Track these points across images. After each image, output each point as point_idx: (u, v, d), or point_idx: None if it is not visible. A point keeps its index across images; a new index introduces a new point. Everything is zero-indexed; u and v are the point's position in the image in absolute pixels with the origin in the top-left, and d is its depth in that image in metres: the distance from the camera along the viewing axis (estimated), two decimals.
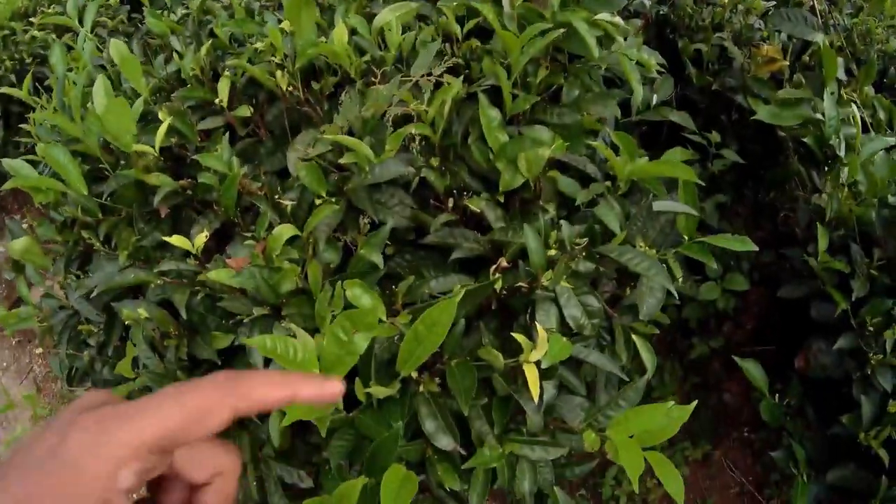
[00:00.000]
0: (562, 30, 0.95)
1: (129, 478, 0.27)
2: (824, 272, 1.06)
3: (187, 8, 1.43)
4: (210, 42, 1.17)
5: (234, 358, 0.97)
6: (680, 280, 1.02)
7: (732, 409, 1.31)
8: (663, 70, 1.04)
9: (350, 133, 0.99)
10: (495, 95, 1.03)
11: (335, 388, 0.32)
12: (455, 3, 1.06)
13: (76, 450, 0.26)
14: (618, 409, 0.93)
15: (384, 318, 0.81)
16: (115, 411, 0.27)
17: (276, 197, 0.95)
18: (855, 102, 1.26)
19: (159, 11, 1.53)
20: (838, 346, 1.03)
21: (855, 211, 1.07)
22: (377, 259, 0.87)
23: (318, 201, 0.91)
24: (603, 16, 1.04)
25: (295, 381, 0.31)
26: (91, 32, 1.82)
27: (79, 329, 1.06)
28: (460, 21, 1.09)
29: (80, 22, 1.53)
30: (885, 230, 1.07)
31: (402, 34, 1.09)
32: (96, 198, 1.09)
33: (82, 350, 1.10)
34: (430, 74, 0.96)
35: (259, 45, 1.05)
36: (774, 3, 1.37)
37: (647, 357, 0.96)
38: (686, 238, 1.06)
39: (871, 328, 1.02)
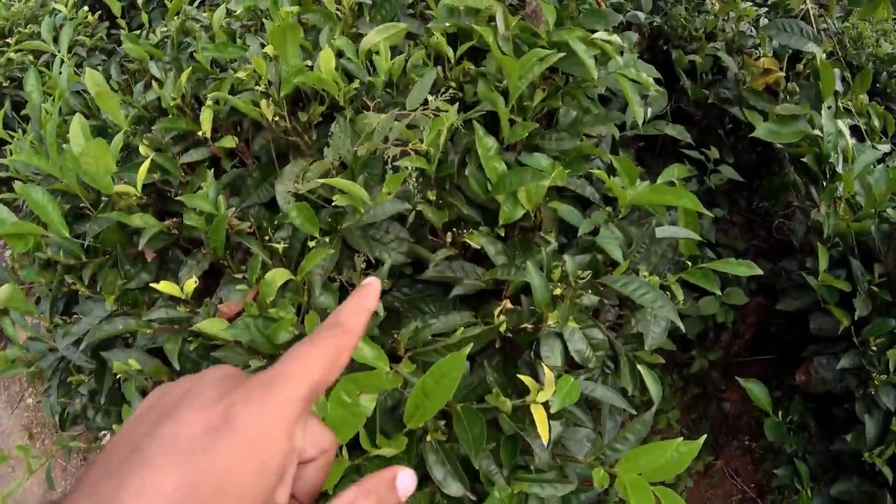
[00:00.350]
0: (561, 54, 0.87)
1: (300, 434, 0.26)
2: (825, 289, 1.01)
3: (167, 27, 1.32)
4: (190, 69, 1.07)
5: None
6: (681, 302, 0.97)
7: (733, 417, 1.28)
8: (661, 89, 0.97)
9: (343, 166, 0.91)
10: (490, 119, 0.95)
11: (375, 285, 0.32)
12: (447, 25, 0.97)
13: (250, 422, 0.24)
14: (625, 443, 0.88)
15: (387, 368, 0.74)
16: (265, 377, 0.26)
17: (267, 238, 0.87)
18: (850, 111, 1.19)
19: (137, 32, 1.42)
20: (841, 365, 0.99)
21: (853, 227, 1.02)
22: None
23: (311, 243, 0.83)
24: (599, 34, 0.96)
25: (360, 300, 0.31)
26: (69, 52, 1.70)
27: (69, 378, 0.97)
28: (452, 41, 1.00)
29: (57, 44, 1.41)
30: (884, 244, 1.02)
31: (392, 56, 1.00)
32: (79, 238, 1.00)
33: (74, 396, 1.02)
34: (426, 105, 0.88)
35: (241, 73, 0.95)
36: (766, 8, 1.29)
37: (653, 387, 0.90)
38: (686, 258, 1.00)
39: (875, 347, 0.97)
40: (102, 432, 1.00)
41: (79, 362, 1.00)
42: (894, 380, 0.96)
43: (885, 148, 1.26)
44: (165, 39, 1.21)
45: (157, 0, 1.73)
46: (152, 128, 1.04)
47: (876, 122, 1.23)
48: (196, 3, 1.41)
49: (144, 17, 1.39)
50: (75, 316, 1.04)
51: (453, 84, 0.97)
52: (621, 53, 0.98)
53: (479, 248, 0.85)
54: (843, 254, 1.06)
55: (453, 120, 0.86)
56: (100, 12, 1.83)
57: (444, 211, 0.87)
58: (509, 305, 0.80)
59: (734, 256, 1.30)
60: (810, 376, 1.05)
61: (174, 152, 1.04)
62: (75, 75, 1.33)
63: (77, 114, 0.93)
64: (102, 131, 1.17)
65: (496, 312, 0.80)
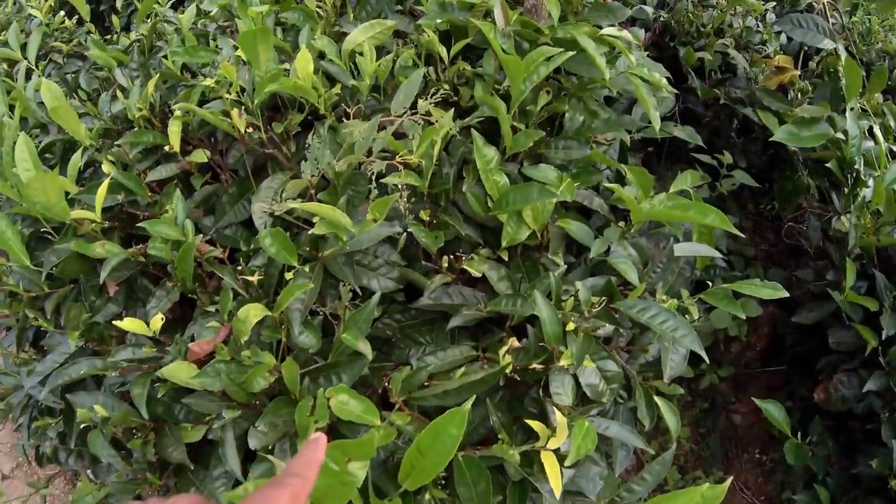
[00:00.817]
0: (569, 53, 0.71)
1: None
2: (848, 305, 0.87)
3: (138, 31, 1.14)
4: (157, 76, 0.90)
5: (208, 453, 0.75)
6: (698, 321, 0.82)
7: (743, 429, 1.15)
8: (671, 89, 0.82)
9: (324, 181, 0.75)
10: (489, 125, 0.79)
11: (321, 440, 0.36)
12: (440, 21, 0.81)
13: None
14: (643, 484, 0.74)
15: (377, 421, 0.60)
16: None
17: (240, 269, 0.72)
18: (864, 110, 1.04)
19: (109, 37, 1.24)
20: (868, 388, 0.86)
21: (884, 241, 0.88)
22: (363, 347, 0.65)
23: (288, 275, 0.68)
24: (608, 30, 0.80)
25: (311, 454, 0.35)
26: (44, 60, 1.51)
27: (34, 424, 0.83)
28: (445, 39, 0.84)
29: (25, 52, 1.23)
30: None
31: (379, 57, 0.83)
32: (42, 266, 0.84)
33: (43, 438, 0.87)
34: (413, 110, 0.72)
35: (209, 81, 0.79)
36: (774, 3, 1.13)
37: (672, 421, 0.76)
38: (700, 270, 0.86)
39: None
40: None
41: (47, 402, 0.85)
42: None
43: None
44: (135, 44, 1.03)
45: (139, 2, 1.54)
46: (116, 143, 0.88)
47: (892, 122, 1.08)
48: (169, 4, 1.22)
49: (116, 22, 1.21)
50: (44, 348, 0.89)
51: (447, 86, 0.81)
52: (630, 50, 0.82)
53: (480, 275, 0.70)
54: (864, 265, 0.92)
55: (448, 128, 0.71)
56: (77, 16, 1.64)
57: (439, 232, 0.71)
58: (516, 344, 0.66)
59: (744, 263, 1.16)
60: (829, 394, 0.91)
61: (142, 169, 0.88)
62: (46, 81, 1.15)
63: (22, 135, 0.76)
64: (71, 146, 1.00)
65: (501, 353, 0.65)
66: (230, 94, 0.79)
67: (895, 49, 1.23)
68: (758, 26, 1.13)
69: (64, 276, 0.82)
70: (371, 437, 0.51)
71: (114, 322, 0.72)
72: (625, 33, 0.82)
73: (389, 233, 0.69)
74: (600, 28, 0.83)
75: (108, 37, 1.47)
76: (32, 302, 0.85)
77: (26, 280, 0.85)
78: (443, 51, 0.78)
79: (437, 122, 0.70)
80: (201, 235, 0.77)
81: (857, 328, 0.86)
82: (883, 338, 0.85)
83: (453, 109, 0.73)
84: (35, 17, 1.54)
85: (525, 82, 0.70)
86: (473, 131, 0.72)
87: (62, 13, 1.61)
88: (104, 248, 0.77)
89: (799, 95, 1.02)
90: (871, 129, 1.04)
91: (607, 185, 0.73)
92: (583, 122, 0.81)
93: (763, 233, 1.17)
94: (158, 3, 1.26)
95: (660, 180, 1.12)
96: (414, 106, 0.72)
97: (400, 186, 0.67)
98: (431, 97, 0.69)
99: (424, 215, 0.71)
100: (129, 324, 0.72)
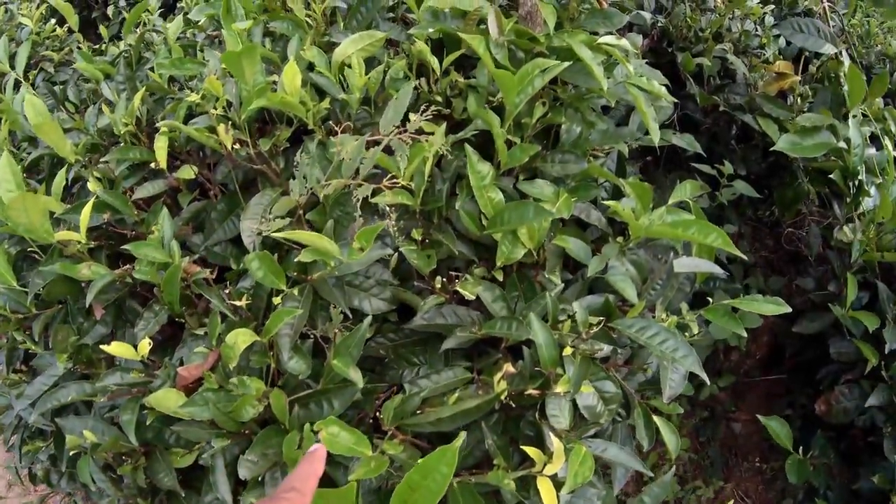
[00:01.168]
0: (565, 64, 0.68)
1: None
2: (851, 321, 0.84)
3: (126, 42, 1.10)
4: (143, 90, 0.87)
5: (199, 477, 0.72)
6: (698, 334, 0.80)
7: (743, 438, 1.12)
8: (670, 97, 0.78)
9: (313, 200, 0.71)
10: (483, 138, 0.75)
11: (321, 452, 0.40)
12: (431, 31, 0.77)
13: None
14: None
15: (369, 452, 0.57)
16: None
17: (228, 292, 0.69)
18: (865, 116, 1.00)
19: (97, 46, 1.20)
20: (871, 403, 0.83)
21: (888, 257, 0.84)
22: (354, 375, 0.62)
23: (276, 299, 0.65)
24: (606, 38, 0.76)
25: (309, 467, 0.37)
26: (34, 69, 1.47)
27: (24, 448, 0.80)
28: (437, 49, 0.80)
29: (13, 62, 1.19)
30: None
31: (370, 68, 0.80)
32: (29, 287, 0.81)
33: (35, 461, 0.85)
34: (404, 125, 0.68)
35: (194, 97, 0.75)
36: (773, 6, 1.09)
37: (671, 440, 0.73)
38: (700, 283, 0.83)
39: None
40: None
41: (37, 424, 0.82)
42: None
43: None
44: (122, 56, 0.99)
45: (128, 11, 1.50)
46: (102, 159, 0.84)
47: (893, 127, 1.05)
48: (159, 12, 1.18)
49: (104, 32, 1.17)
50: (34, 368, 0.86)
51: (439, 98, 0.78)
52: (628, 59, 0.78)
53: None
54: (866, 276, 0.89)
55: (440, 145, 0.67)
56: (69, 24, 1.59)
57: (432, 252, 0.68)
58: (511, 370, 0.63)
59: (743, 271, 1.13)
60: (831, 406, 0.89)
61: (129, 185, 0.85)
62: (33, 94, 1.11)
63: (5, 154, 0.73)
64: (59, 160, 0.97)
65: (496, 378, 0.62)
66: (216, 109, 0.76)
67: (895, 52, 1.19)
68: (756, 30, 1.09)
69: (51, 298, 0.79)
70: (350, 488, 0.48)
71: (101, 346, 0.69)
72: (622, 41, 0.78)
73: (380, 255, 0.66)
74: (597, 35, 0.79)
75: (98, 46, 1.43)
76: (20, 323, 0.82)
77: (13, 301, 0.82)
78: (434, 62, 0.75)
79: (426, 140, 0.66)
80: (188, 258, 0.74)
81: (859, 345, 0.83)
82: (886, 352, 0.82)
83: (445, 124, 0.70)
84: (26, 25, 1.50)
85: (519, 95, 0.66)
86: (467, 146, 0.68)
87: (53, 21, 1.57)
88: (90, 270, 0.74)
89: (799, 101, 0.98)
90: (872, 136, 1.01)
91: (605, 201, 0.70)
92: (580, 133, 0.78)
93: (762, 238, 1.14)
94: (148, 10, 1.22)
95: (658, 189, 1.08)
96: (406, 120, 0.69)
97: (388, 209, 0.64)
98: (422, 113, 0.65)
99: (416, 234, 0.68)
100: (116, 348, 0.69)
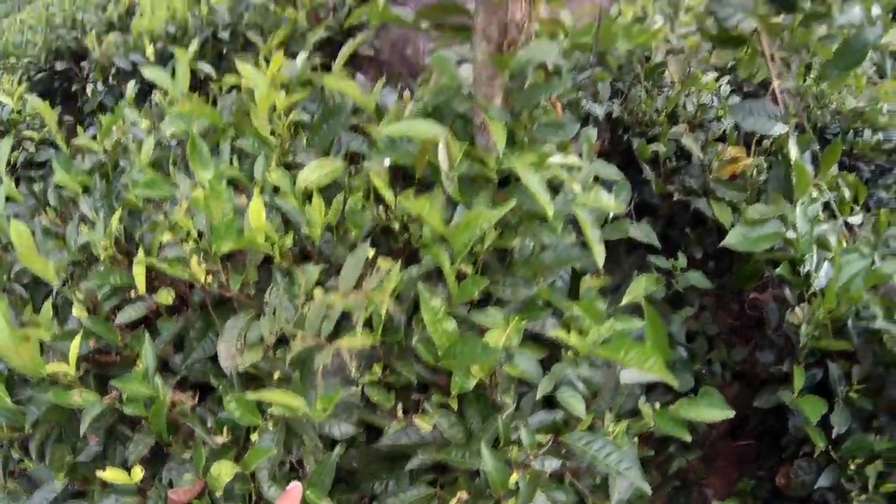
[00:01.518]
0: (511, 204, 0.73)
1: None
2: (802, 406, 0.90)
3: (104, 145, 1.16)
4: (120, 209, 0.93)
5: None
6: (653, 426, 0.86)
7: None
8: (625, 182, 0.82)
9: (281, 337, 0.78)
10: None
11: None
12: (387, 163, 0.83)
13: None
14: None
15: None
16: None
17: (210, 426, 0.76)
18: (818, 185, 1.05)
19: (79, 125, 1.25)
20: (820, 484, 0.89)
21: (833, 346, 0.90)
22: None
23: (253, 436, 0.72)
24: (556, 158, 0.81)
25: None
26: (18, 148, 1.53)
27: None
28: (398, 171, 0.86)
29: None
30: (862, 345, 0.91)
31: (332, 192, 0.86)
32: (22, 402, 0.89)
33: None
34: (359, 286, 0.74)
35: (165, 235, 0.82)
36: (727, 76, 1.13)
37: None
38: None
39: (853, 467, 0.88)
40: None
41: None
42: (875, 499, 0.87)
43: (857, 219, 1.12)
44: (97, 170, 1.05)
45: (108, 87, 1.55)
46: (81, 283, 0.91)
47: (847, 193, 1.10)
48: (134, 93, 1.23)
49: (80, 131, 1.23)
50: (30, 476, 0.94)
51: (397, 225, 0.84)
52: (575, 177, 0.84)
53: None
54: (820, 357, 0.95)
55: (396, 283, 0.74)
56: (49, 100, 1.65)
57: (391, 390, 0.75)
58: (464, 496, 0.70)
59: (707, 344, 1.19)
60: (790, 479, 0.95)
61: (111, 308, 0.91)
62: (15, 191, 1.17)
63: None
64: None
65: (452, 502, 0.70)
66: (188, 242, 0.82)
67: (848, 110, 1.23)
68: (712, 101, 1.13)
69: (47, 420, 0.87)
70: None
71: (98, 473, 0.77)
72: (571, 158, 0.84)
73: (344, 396, 0.72)
74: (549, 147, 0.84)
75: (78, 122, 1.48)
76: (17, 442, 0.90)
77: (7, 419, 0.89)
78: (389, 195, 0.80)
79: (385, 277, 0.73)
80: (172, 381, 0.81)
81: (808, 431, 0.90)
82: (833, 437, 0.89)
83: (401, 260, 0.76)
84: (5, 104, 1.55)
85: (467, 240, 0.72)
86: (420, 286, 0.74)
87: (32, 97, 1.62)
88: (81, 397, 0.81)
89: (752, 180, 1.03)
90: (827, 205, 1.06)
91: (551, 332, 0.76)
92: (532, 249, 0.83)
93: (727, 304, 1.19)
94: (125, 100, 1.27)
95: (619, 269, 1.14)
96: (368, 261, 0.75)
97: (349, 348, 0.71)
98: (376, 270, 0.71)
99: (377, 369, 0.75)
100: (110, 474, 0.76)
